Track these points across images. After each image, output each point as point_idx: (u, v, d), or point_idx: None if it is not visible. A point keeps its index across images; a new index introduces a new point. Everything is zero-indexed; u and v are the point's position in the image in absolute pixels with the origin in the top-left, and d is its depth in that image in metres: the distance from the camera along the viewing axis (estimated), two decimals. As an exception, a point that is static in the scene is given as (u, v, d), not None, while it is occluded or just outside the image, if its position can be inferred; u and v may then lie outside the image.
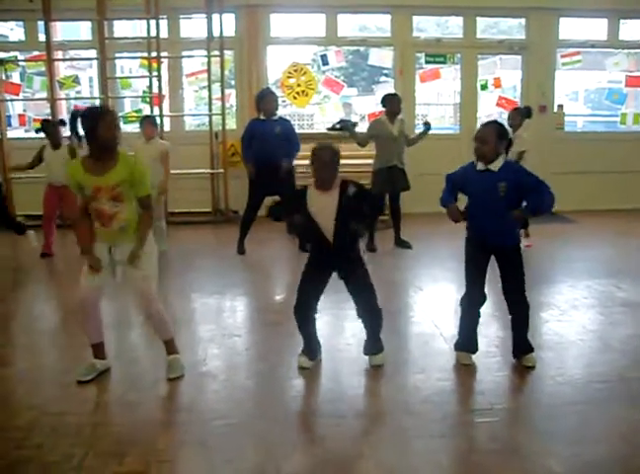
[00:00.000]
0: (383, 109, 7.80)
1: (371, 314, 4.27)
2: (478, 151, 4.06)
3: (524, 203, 4.05)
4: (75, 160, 4.03)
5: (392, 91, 9.11)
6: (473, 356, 4.37)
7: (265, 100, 7.51)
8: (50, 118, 8.03)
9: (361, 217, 4.09)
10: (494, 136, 4.03)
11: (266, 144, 7.34)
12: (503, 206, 4.01)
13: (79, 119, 3.93)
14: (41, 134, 7.50)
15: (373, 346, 4.34)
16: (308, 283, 4.24)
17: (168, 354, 4.24)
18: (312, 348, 4.37)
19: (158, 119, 9.25)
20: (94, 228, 3.99)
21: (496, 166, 4.04)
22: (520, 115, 7.70)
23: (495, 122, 4.24)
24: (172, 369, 4.19)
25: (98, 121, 3.75)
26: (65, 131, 7.29)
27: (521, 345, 4.32)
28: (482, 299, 4.29)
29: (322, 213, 4.02)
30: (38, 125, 7.78)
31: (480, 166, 4.09)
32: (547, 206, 4.05)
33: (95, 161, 3.85)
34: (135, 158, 4.08)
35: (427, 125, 7.72)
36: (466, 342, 4.38)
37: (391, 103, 7.68)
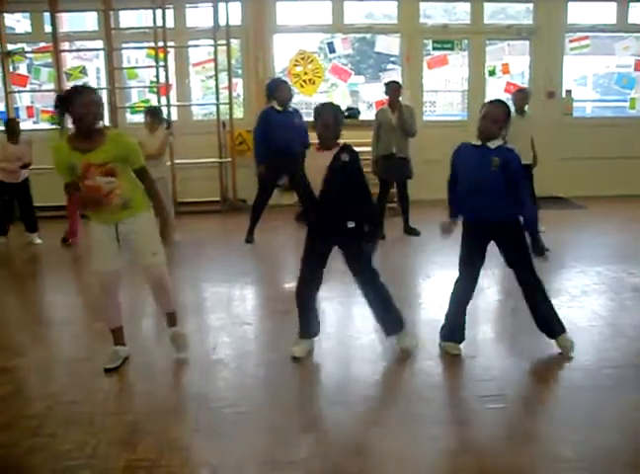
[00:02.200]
0: (386, 97, 7.79)
1: (374, 292, 4.22)
2: (487, 130, 3.99)
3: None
4: (59, 140, 3.97)
5: (397, 78, 9.08)
6: (482, 343, 4.35)
7: (279, 89, 7.46)
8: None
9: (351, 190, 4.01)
10: (505, 117, 4.01)
11: (286, 135, 7.23)
12: (496, 182, 3.95)
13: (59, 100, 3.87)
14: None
15: (389, 323, 4.28)
16: (308, 257, 4.21)
17: (170, 325, 4.32)
18: (311, 328, 4.33)
19: (165, 109, 9.27)
20: (92, 212, 3.96)
21: (493, 144, 4.00)
22: (527, 96, 7.57)
23: (504, 103, 4.18)
24: (181, 346, 4.29)
25: (73, 99, 3.72)
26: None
27: (546, 326, 4.23)
28: (473, 287, 4.22)
29: (313, 171, 4.01)
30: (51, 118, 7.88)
31: (476, 141, 4.05)
32: (531, 222, 4.07)
33: (82, 139, 3.81)
34: (122, 133, 4.07)
35: None
36: (453, 331, 4.29)
37: (389, 91, 7.68)
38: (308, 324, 4.31)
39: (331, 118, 3.96)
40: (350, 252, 4.15)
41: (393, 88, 7.69)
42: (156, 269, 4.10)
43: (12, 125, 7.67)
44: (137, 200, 3.98)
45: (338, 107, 4.12)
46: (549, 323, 4.23)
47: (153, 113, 7.65)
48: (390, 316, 4.29)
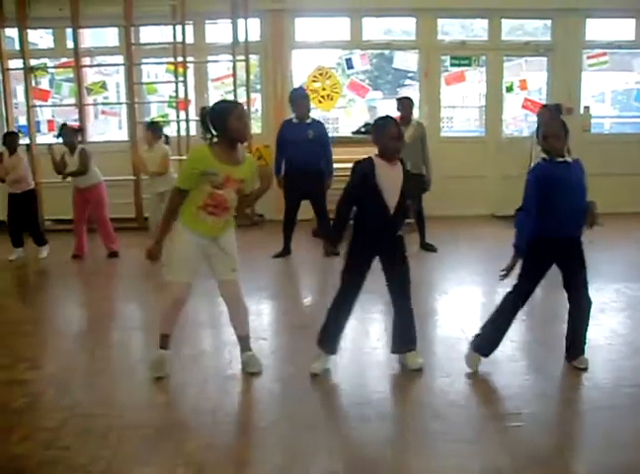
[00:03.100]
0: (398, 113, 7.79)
1: (405, 301, 4.24)
2: (555, 150, 4.01)
3: None
4: (201, 146, 4.02)
5: (414, 94, 9.10)
6: (499, 361, 4.31)
7: (296, 103, 7.51)
8: (68, 123, 8.16)
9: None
10: (563, 130, 4.04)
11: (298, 148, 7.32)
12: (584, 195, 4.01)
13: (209, 114, 3.97)
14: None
15: (407, 338, 4.28)
16: (354, 272, 4.16)
17: (244, 350, 4.34)
18: (336, 344, 4.30)
19: (184, 124, 9.35)
20: (192, 214, 3.99)
21: (567, 159, 4.02)
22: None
23: (561, 120, 4.23)
24: (252, 365, 4.29)
25: (229, 114, 3.84)
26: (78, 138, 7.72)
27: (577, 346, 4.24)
28: (523, 303, 4.18)
29: (390, 186, 4.03)
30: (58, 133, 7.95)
31: (559, 158, 4.03)
32: None
33: (225, 151, 3.91)
34: (254, 160, 4.28)
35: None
36: (489, 345, 4.24)
37: (401, 106, 7.69)
38: (335, 340, 4.28)
39: (398, 128, 4.04)
40: (393, 259, 4.18)
41: (405, 104, 7.70)
42: (236, 285, 4.23)
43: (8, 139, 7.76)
44: (232, 219, 4.20)
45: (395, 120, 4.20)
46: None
47: (154, 127, 7.73)
48: (409, 333, 4.28)
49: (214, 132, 3.93)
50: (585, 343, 4.24)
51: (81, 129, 7.86)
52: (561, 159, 4.02)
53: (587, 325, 4.22)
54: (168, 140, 7.95)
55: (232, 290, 4.22)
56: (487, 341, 4.24)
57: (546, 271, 4.12)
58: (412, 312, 4.28)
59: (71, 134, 7.66)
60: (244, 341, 4.35)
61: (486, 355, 4.24)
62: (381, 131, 4.03)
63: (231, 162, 3.91)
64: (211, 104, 4.15)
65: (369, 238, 4.12)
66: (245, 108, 4.05)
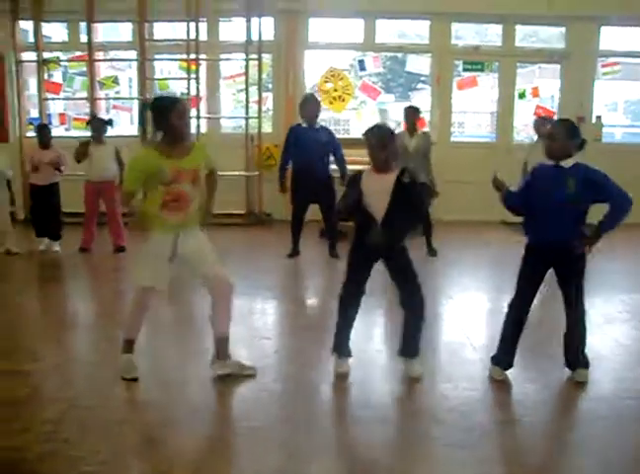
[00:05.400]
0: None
1: (415, 305, 4.19)
2: (547, 148, 4.00)
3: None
4: (145, 148, 4.08)
5: (427, 98, 9.08)
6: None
7: (305, 107, 7.50)
8: (100, 116, 8.21)
9: (408, 209, 4.03)
10: (564, 134, 3.95)
11: (309, 152, 7.31)
12: (570, 206, 3.92)
13: (150, 109, 3.98)
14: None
15: (410, 345, 4.25)
16: (356, 273, 4.18)
17: (220, 358, 4.17)
18: (347, 344, 4.31)
19: (195, 121, 9.36)
20: (156, 216, 3.96)
21: (567, 163, 3.96)
22: (544, 124, 7.67)
23: (566, 120, 4.18)
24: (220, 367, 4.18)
25: (170, 109, 3.84)
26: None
27: (574, 358, 4.21)
28: (528, 312, 4.15)
29: (375, 194, 3.99)
30: (87, 120, 8.06)
31: (551, 162, 4.01)
32: (618, 216, 3.96)
33: (170, 146, 3.91)
34: (202, 141, 4.18)
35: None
36: (503, 356, 4.23)
37: (406, 115, 7.68)
38: (342, 342, 4.29)
39: (378, 138, 3.98)
40: (398, 265, 4.15)
41: (409, 113, 7.68)
42: (228, 278, 4.13)
43: None
44: (198, 213, 4.12)
45: (387, 128, 4.14)
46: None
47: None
48: (416, 339, 4.26)
49: (156, 128, 3.94)
50: (581, 355, 4.19)
51: (111, 121, 7.85)
52: (551, 163, 4.00)
53: (581, 336, 4.17)
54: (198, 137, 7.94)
55: (223, 284, 4.11)
56: (501, 352, 4.24)
57: (540, 276, 4.09)
58: (419, 320, 4.22)
59: (100, 125, 7.69)
60: (223, 344, 4.18)
61: (504, 367, 4.23)
62: (366, 141, 4.03)
63: (179, 155, 3.90)
64: (153, 97, 4.14)
65: (365, 245, 4.11)
66: (187, 104, 4.02)
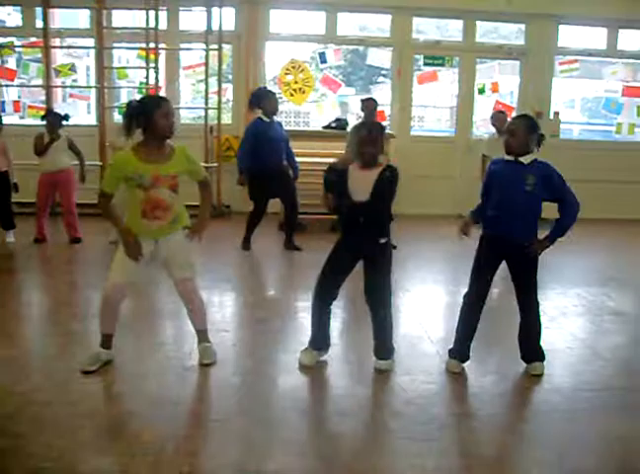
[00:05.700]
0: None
1: (386, 310, 4.22)
2: (506, 143, 4.01)
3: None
4: (125, 151, 4.01)
5: (387, 91, 9.10)
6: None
7: (268, 99, 7.39)
8: (56, 111, 8.04)
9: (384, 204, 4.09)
10: (524, 130, 3.97)
11: (274, 147, 7.28)
12: (528, 202, 3.97)
13: (134, 109, 3.91)
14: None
15: (383, 348, 4.28)
16: (334, 266, 4.19)
17: (201, 342, 4.34)
18: (323, 339, 4.33)
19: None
20: (138, 223, 3.95)
21: (526, 159, 3.99)
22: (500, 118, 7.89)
23: (526, 116, 4.23)
24: (207, 356, 4.27)
25: (153, 109, 3.79)
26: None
27: (530, 351, 4.29)
28: (483, 303, 4.21)
29: (359, 190, 3.99)
30: (43, 113, 7.92)
31: (509, 157, 4.04)
32: (570, 223, 4.04)
33: (150, 150, 3.86)
34: (186, 148, 4.09)
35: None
36: (459, 349, 4.28)
37: (364, 107, 7.68)
38: (323, 333, 4.32)
39: (372, 134, 3.98)
40: (375, 267, 4.15)
41: (368, 105, 7.66)
42: (191, 282, 4.19)
43: None
44: (183, 217, 4.11)
45: (379, 124, 4.15)
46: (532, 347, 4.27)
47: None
48: (389, 342, 4.29)
49: (139, 128, 3.88)
50: (537, 348, 4.27)
51: (67, 116, 7.72)
52: (509, 158, 4.04)
53: (536, 330, 4.24)
54: None
55: (187, 287, 4.19)
56: (457, 344, 4.30)
57: (493, 267, 4.15)
58: (386, 321, 4.25)
59: (56, 120, 7.57)
60: (201, 333, 4.36)
61: (461, 360, 4.28)
62: (354, 137, 4.02)
63: (158, 160, 3.86)
64: (137, 98, 4.10)
65: (348, 238, 4.17)
66: (171, 104, 3.95)
